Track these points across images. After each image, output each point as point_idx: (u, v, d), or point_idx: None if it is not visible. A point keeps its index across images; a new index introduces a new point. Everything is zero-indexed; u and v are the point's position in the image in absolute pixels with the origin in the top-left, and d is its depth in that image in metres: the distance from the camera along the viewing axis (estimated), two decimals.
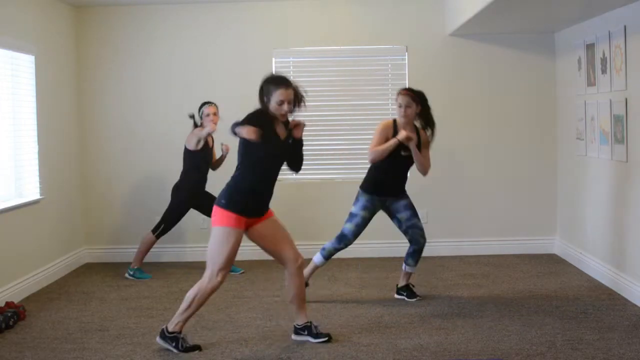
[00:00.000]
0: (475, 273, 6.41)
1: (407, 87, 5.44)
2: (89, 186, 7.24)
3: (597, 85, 5.93)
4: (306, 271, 5.39)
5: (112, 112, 7.23)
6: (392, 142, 5.18)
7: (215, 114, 6.33)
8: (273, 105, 4.32)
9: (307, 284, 5.41)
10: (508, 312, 5.14)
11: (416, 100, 5.28)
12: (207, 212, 6.49)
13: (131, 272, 6.46)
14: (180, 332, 4.41)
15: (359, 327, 4.88)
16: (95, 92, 7.23)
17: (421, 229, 5.41)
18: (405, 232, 5.43)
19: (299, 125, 4.42)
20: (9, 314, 4.99)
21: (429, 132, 5.39)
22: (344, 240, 5.41)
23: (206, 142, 6.35)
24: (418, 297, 5.50)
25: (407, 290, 5.54)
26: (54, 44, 6.69)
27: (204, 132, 6.22)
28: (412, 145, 5.21)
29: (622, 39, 5.38)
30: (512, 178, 7.21)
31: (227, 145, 6.37)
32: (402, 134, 5.15)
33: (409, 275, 5.55)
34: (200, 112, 6.36)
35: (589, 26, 6.10)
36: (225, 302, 5.60)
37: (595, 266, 6.07)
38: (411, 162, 5.33)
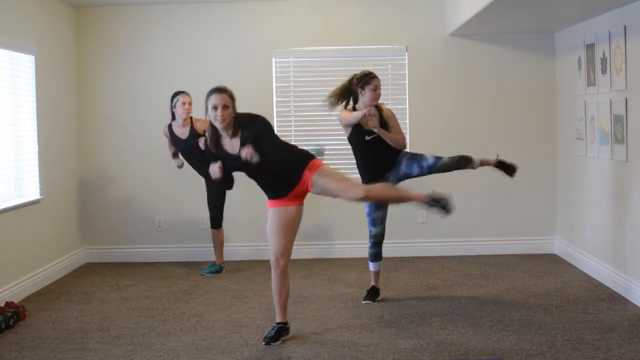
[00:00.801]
0: (475, 273, 6.41)
1: (367, 70, 5.42)
2: (89, 186, 7.24)
3: (597, 85, 5.93)
4: (372, 281, 5.58)
5: (112, 112, 7.24)
6: (357, 115, 5.17)
7: (190, 103, 6.37)
8: (210, 113, 4.32)
9: (376, 290, 5.57)
10: (508, 312, 5.14)
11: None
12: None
13: (212, 269, 6.57)
14: (282, 322, 4.63)
15: (359, 327, 4.88)
16: (95, 92, 7.23)
17: (424, 156, 5.32)
18: (420, 169, 5.31)
19: (250, 156, 4.23)
20: (9, 314, 4.99)
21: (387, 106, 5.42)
22: (371, 238, 5.45)
23: (194, 132, 6.37)
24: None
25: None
26: (54, 44, 6.69)
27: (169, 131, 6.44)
28: (378, 130, 5.19)
29: (622, 39, 5.38)
30: (512, 178, 7.19)
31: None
32: (368, 110, 5.14)
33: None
34: (175, 101, 6.35)
35: (589, 26, 6.11)
36: (225, 302, 5.60)
37: (595, 266, 6.07)
38: (381, 142, 5.29)
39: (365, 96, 5.30)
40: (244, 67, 7.14)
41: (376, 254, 5.48)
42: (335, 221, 7.16)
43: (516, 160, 7.14)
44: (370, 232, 5.44)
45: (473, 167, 5.39)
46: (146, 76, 7.21)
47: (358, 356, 4.30)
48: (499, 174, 7.18)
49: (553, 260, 6.87)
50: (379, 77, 5.41)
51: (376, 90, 5.31)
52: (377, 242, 5.44)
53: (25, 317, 5.22)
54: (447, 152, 7.12)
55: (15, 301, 5.48)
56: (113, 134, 7.24)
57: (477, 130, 7.18)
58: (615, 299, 5.42)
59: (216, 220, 6.53)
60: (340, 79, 7.16)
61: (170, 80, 7.15)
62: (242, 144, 4.29)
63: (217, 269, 6.57)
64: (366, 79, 5.33)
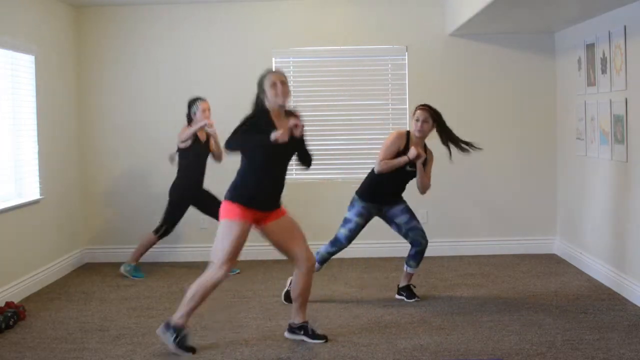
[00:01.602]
0: (475, 273, 6.41)
1: (425, 103, 5.43)
2: (89, 186, 7.24)
3: (597, 85, 5.93)
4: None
5: (112, 112, 7.24)
6: (403, 159, 5.19)
7: (208, 109, 6.34)
8: (268, 92, 4.32)
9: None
10: (508, 312, 5.14)
11: (433, 117, 5.30)
12: (206, 210, 6.50)
13: (127, 268, 6.47)
14: (184, 328, 4.38)
15: (359, 327, 4.88)
16: (95, 92, 7.23)
17: (422, 230, 5.41)
18: (405, 236, 5.43)
19: (296, 126, 4.30)
20: (9, 314, 4.99)
21: (451, 149, 5.40)
22: (337, 245, 5.43)
23: (197, 139, 6.33)
24: (417, 298, 5.50)
25: (407, 290, 5.54)
26: (54, 44, 6.69)
27: (190, 130, 6.22)
28: (420, 164, 5.23)
29: (622, 39, 5.38)
30: (512, 178, 7.21)
31: (211, 122, 6.29)
32: (412, 153, 5.14)
33: (410, 276, 5.55)
34: (195, 108, 6.34)
35: (589, 26, 6.11)
36: (225, 302, 5.60)
37: (595, 266, 6.07)
38: (413, 177, 5.35)
39: (412, 125, 5.33)
40: (244, 67, 7.13)
41: (327, 260, 5.51)
42: (335, 221, 7.15)
43: (516, 160, 7.20)
44: (339, 241, 5.42)
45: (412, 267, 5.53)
46: (146, 76, 7.21)
47: (358, 356, 4.30)
48: (500, 174, 7.20)
49: (553, 260, 6.87)
50: (434, 110, 5.36)
51: (418, 121, 5.28)
52: (339, 250, 5.46)
53: (25, 317, 5.22)
54: (447, 152, 7.14)
55: (15, 301, 5.48)
56: (113, 133, 7.24)
57: (477, 130, 7.16)
58: (615, 299, 5.42)
59: (167, 233, 6.51)
60: (340, 79, 7.24)
61: (170, 80, 7.16)
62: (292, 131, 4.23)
63: (130, 269, 6.54)
64: (416, 109, 5.37)
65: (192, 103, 6.37)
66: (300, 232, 4.52)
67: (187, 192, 6.42)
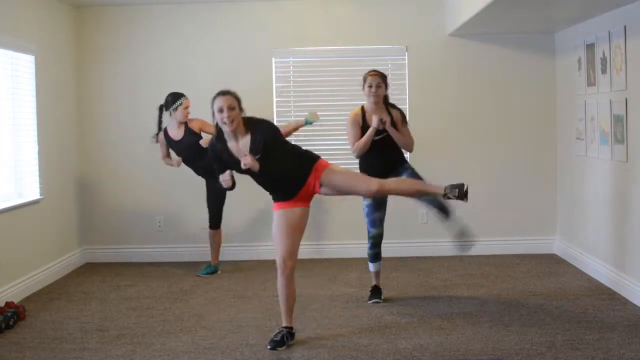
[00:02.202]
0: (475, 273, 6.41)
1: (372, 69, 5.44)
2: (89, 186, 7.24)
3: (597, 85, 5.93)
4: (374, 280, 5.59)
5: (112, 112, 7.23)
6: (369, 132, 5.22)
7: (188, 107, 6.36)
8: (217, 116, 4.30)
9: (379, 289, 5.57)
10: (508, 312, 5.14)
11: (385, 80, 5.34)
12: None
13: (209, 270, 6.54)
14: (289, 327, 4.55)
15: (359, 327, 4.88)
16: (95, 92, 7.23)
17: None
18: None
19: (250, 164, 4.26)
20: (9, 314, 4.99)
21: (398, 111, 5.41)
22: (370, 239, 5.44)
23: (190, 131, 6.34)
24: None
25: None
26: (54, 44, 6.69)
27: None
28: (388, 127, 5.22)
29: (622, 39, 5.38)
30: (512, 178, 7.20)
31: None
32: (374, 121, 5.18)
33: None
34: (178, 104, 6.31)
35: (589, 26, 6.10)
36: (225, 302, 5.60)
37: (595, 266, 6.07)
38: (390, 139, 5.31)
39: (365, 93, 5.33)
40: (244, 67, 7.13)
41: (375, 255, 5.48)
42: (335, 221, 7.16)
43: (516, 160, 7.19)
44: (369, 232, 5.44)
45: (447, 218, 5.54)
46: (146, 76, 7.21)
47: (358, 356, 4.30)
48: (500, 174, 7.20)
49: (553, 260, 6.87)
50: (383, 74, 5.37)
51: (371, 87, 5.29)
52: (376, 242, 5.44)
53: (25, 317, 5.21)
54: (447, 152, 7.14)
55: (15, 301, 5.48)
56: (113, 133, 7.23)
57: (477, 130, 7.18)
58: (615, 299, 5.42)
59: (215, 221, 6.53)
60: (340, 79, 7.24)
61: (170, 80, 7.15)
62: (251, 150, 4.26)
63: (213, 269, 6.56)
64: (365, 76, 5.37)
65: (174, 99, 6.31)
66: (342, 176, 4.52)
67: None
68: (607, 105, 5.70)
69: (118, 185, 7.24)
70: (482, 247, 7.18)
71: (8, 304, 5.21)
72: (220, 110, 4.26)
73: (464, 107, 7.16)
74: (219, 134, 4.40)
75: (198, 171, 6.44)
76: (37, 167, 6.23)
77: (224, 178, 4.34)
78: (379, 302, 5.44)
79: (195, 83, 7.06)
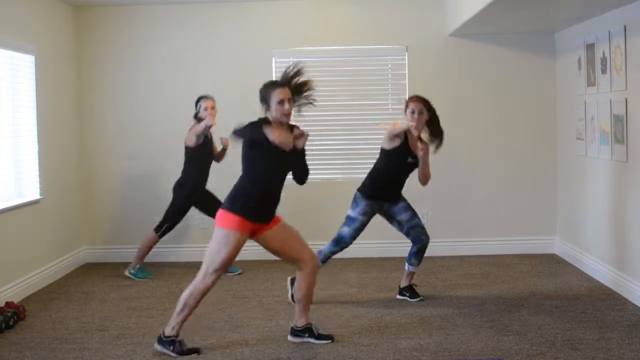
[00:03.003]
0: (475, 273, 6.41)
1: (416, 94, 5.42)
2: (89, 186, 7.24)
3: (597, 85, 5.93)
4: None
5: (112, 112, 7.24)
6: (404, 125, 5.15)
7: (213, 107, 6.30)
8: (274, 107, 4.26)
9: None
10: (508, 312, 5.14)
11: (427, 107, 5.29)
12: (206, 210, 6.48)
13: (132, 272, 6.45)
14: (177, 336, 4.37)
15: (359, 327, 4.88)
16: (95, 92, 7.23)
17: (423, 228, 5.41)
18: (407, 234, 5.43)
19: (302, 136, 4.36)
20: (9, 314, 4.99)
21: (435, 142, 5.35)
22: (340, 244, 5.42)
23: (206, 137, 6.33)
24: (420, 298, 5.49)
25: (410, 290, 5.53)
26: (54, 44, 6.69)
27: (201, 127, 6.17)
28: (423, 153, 5.20)
29: (622, 39, 5.38)
30: (512, 178, 7.21)
31: (227, 138, 6.28)
32: (412, 124, 5.14)
33: (412, 275, 5.54)
34: (198, 107, 6.32)
35: (589, 26, 6.10)
36: (225, 302, 5.60)
37: (595, 266, 6.07)
38: (412, 169, 5.33)
39: (407, 118, 5.31)
40: (244, 67, 7.13)
41: (330, 257, 5.49)
42: (335, 221, 7.15)
43: (516, 160, 7.20)
44: (343, 239, 5.40)
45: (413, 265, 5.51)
46: (146, 76, 7.21)
47: (358, 356, 4.30)
48: (500, 174, 7.20)
49: (553, 260, 6.87)
50: (425, 100, 5.33)
51: (414, 114, 5.25)
52: (342, 249, 5.46)
53: (25, 317, 5.21)
54: (447, 152, 7.14)
55: (15, 301, 5.48)
56: (113, 133, 7.24)
57: (477, 130, 7.18)
58: (615, 299, 5.42)
59: (168, 230, 6.50)
60: (340, 79, 7.24)
61: (170, 80, 7.16)
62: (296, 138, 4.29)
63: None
64: (406, 101, 5.37)
65: (197, 101, 6.36)
66: (298, 235, 4.52)
67: (192, 191, 6.39)
68: (607, 105, 5.70)
69: (118, 185, 7.24)
70: (482, 247, 7.20)
71: (8, 304, 5.21)
72: (282, 102, 4.25)
73: (464, 107, 7.16)
74: (260, 124, 4.25)
75: (204, 178, 6.44)
76: (37, 167, 6.23)
77: (275, 136, 4.14)
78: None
79: (196, 83, 7.05)
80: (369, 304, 5.45)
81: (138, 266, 6.47)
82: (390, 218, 5.45)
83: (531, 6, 5.50)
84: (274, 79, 7.11)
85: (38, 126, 6.26)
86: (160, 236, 6.46)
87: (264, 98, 4.32)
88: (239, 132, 4.22)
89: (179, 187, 6.40)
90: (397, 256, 6.91)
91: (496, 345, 4.43)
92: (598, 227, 6.05)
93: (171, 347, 4.34)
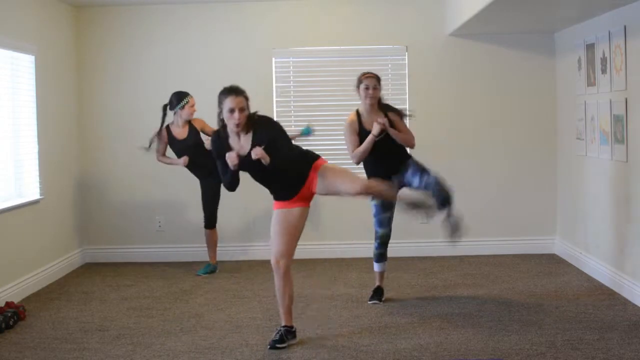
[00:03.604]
0: (475, 273, 6.41)
1: (367, 72, 5.42)
2: (89, 186, 7.24)
3: (597, 85, 5.93)
4: (377, 281, 5.57)
5: (112, 112, 7.24)
6: (369, 139, 5.18)
7: (193, 105, 6.39)
8: (225, 115, 4.28)
9: (381, 290, 5.54)
10: (508, 312, 5.14)
11: (380, 82, 5.34)
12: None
13: (208, 270, 6.57)
14: (288, 326, 4.54)
15: (359, 327, 4.88)
16: (95, 92, 7.23)
17: (438, 183, 5.17)
18: (419, 186, 5.24)
19: (262, 156, 4.24)
20: (9, 314, 4.99)
21: (397, 115, 5.35)
22: (377, 239, 5.43)
23: (194, 131, 6.39)
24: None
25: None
26: (54, 44, 6.69)
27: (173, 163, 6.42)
28: (389, 129, 5.18)
29: (622, 39, 5.38)
30: (512, 178, 7.20)
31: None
32: (375, 128, 5.13)
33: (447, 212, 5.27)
34: (185, 101, 6.33)
35: (589, 26, 6.10)
36: (225, 302, 5.60)
37: (595, 266, 6.07)
38: (389, 138, 5.26)
39: (360, 96, 5.30)
40: (244, 67, 7.13)
41: (381, 255, 5.47)
42: (335, 221, 7.16)
43: (516, 160, 7.19)
44: (376, 232, 5.42)
45: (444, 208, 5.23)
46: (146, 76, 7.21)
47: (358, 356, 4.30)
48: (500, 174, 7.20)
49: (553, 260, 6.87)
50: (378, 76, 5.37)
51: (367, 89, 5.27)
52: (382, 243, 5.43)
53: (25, 317, 5.21)
54: (447, 152, 7.14)
55: (15, 301, 5.48)
56: (113, 133, 7.23)
57: (477, 130, 7.18)
58: (615, 299, 5.42)
59: (210, 221, 6.53)
60: (340, 79, 7.24)
61: (170, 80, 7.15)
62: (254, 145, 4.26)
63: (212, 269, 6.58)
64: (360, 78, 5.35)
65: (179, 97, 6.34)
66: (342, 172, 4.50)
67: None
68: (607, 105, 5.70)
69: (118, 185, 7.24)
70: (482, 247, 7.20)
71: (8, 304, 5.21)
72: (232, 111, 4.24)
73: (463, 107, 7.16)
74: (221, 130, 4.38)
75: (195, 171, 6.45)
76: (37, 167, 6.23)
77: (231, 156, 4.23)
78: (377, 304, 5.43)
79: (196, 83, 7.05)
80: (369, 304, 5.45)
81: (212, 263, 6.64)
82: (403, 186, 5.33)
83: (531, 6, 5.50)
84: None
85: (38, 126, 6.26)
86: (207, 227, 6.55)
87: (219, 103, 4.34)
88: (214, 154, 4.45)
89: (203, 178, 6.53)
90: (397, 256, 6.90)
91: (496, 345, 4.43)
92: (598, 227, 6.05)
93: (287, 336, 4.51)
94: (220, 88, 7.09)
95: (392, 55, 7.20)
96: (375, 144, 5.23)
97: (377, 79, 5.34)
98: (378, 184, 4.60)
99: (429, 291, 5.80)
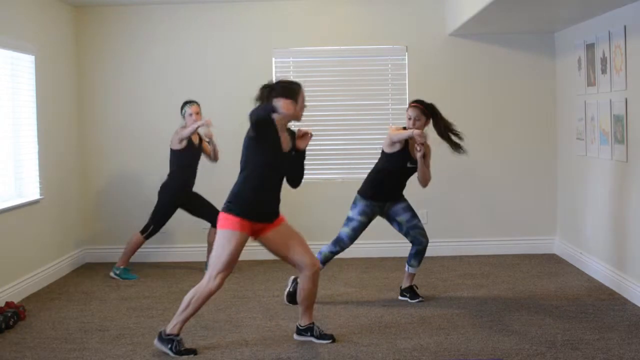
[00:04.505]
0: (475, 273, 6.41)
1: (417, 99, 5.42)
2: (89, 186, 7.24)
3: (597, 85, 5.93)
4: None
5: (112, 112, 7.24)
6: (407, 132, 5.12)
7: (197, 113, 6.33)
8: (300, 105, 4.34)
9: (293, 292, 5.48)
10: (508, 312, 5.14)
11: (425, 113, 5.27)
12: (197, 213, 6.51)
13: (117, 272, 6.46)
14: (177, 335, 4.37)
15: (359, 327, 4.88)
16: (95, 92, 7.23)
17: (422, 229, 5.41)
18: (406, 234, 5.42)
19: (306, 136, 4.40)
20: (9, 314, 4.99)
21: (449, 143, 5.30)
22: (340, 244, 5.40)
23: (191, 141, 6.35)
24: (420, 299, 5.48)
25: (410, 291, 5.53)
26: (54, 44, 6.69)
27: (186, 131, 6.21)
28: (420, 156, 5.19)
29: (622, 39, 5.38)
30: (512, 178, 7.21)
31: (208, 120, 6.21)
32: (417, 132, 5.07)
33: (412, 276, 5.53)
34: (183, 112, 6.35)
35: (589, 26, 6.11)
36: (225, 302, 5.60)
37: (595, 266, 6.07)
38: (412, 173, 5.34)
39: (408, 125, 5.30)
40: (244, 67, 7.13)
41: (330, 259, 5.47)
42: (334, 221, 7.15)
43: (516, 160, 7.20)
44: (342, 241, 5.38)
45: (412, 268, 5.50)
46: (146, 76, 7.21)
47: (358, 356, 4.30)
48: (500, 174, 7.19)
49: (553, 260, 6.87)
50: (426, 105, 5.32)
51: (410, 120, 5.26)
52: (341, 249, 5.43)
53: (25, 317, 5.21)
54: (447, 152, 7.13)
55: (15, 301, 5.48)
56: (113, 133, 7.24)
57: (477, 131, 7.17)
58: (615, 299, 5.42)
59: (154, 233, 6.50)
60: (340, 79, 7.24)
61: (170, 80, 7.16)
62: (294, 142, 4.39)
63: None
64: (407, 108, 5.36)
65: (182, 107, 6.38)
66: (301, 238, 4.49)
67: (178, 194, 6.43)
68: (607, 105, 5.70)
69: (118, 186, 7.24)
70: (482, 247, 7.20)
71: (8, 304, 5.21)
72: (304, 105, 4.38)
73: (463, 107, 7.15)
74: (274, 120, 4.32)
75: (190, 182, 6.46)
76: (37, 167, 6.23)
77: (289, 105, 4.20)
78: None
79: (196, 83, 7.06)
80: (369, 304, 5.45)
81: (122, 267, 6.48)
82: (391, 219, 5.45)
83: (531, 6, 5.50)
84: (273, 79, 7.15)
85: (38, 126, 6.26)
86: (146, 238, 6.47)
87: (291, 94, 4.31)
88: (253, 112, 4.20)
89: (163, 189, 6.45)
90: (397, 256, 6.91)
91: (496, 345, 4.43)
92: (598, 227, 6.05)
93: (169, 346, 4.35)
94: (221, 88, 7.15)
95: (392, 55, 7.20)
96: (404, 170, 5.30)
97: (422, 109, 5.27)
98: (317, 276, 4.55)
99: (429, 291, 5.80)
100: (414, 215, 5.40)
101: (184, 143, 6.29)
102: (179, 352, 4.34)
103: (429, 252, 7.02)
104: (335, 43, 7.19)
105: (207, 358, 4.33)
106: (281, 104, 4.18)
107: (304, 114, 4.50)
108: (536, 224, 7.21)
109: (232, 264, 4.32)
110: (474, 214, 7.25)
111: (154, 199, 7.09)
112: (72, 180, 7.05)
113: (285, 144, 4.35)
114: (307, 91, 7.53)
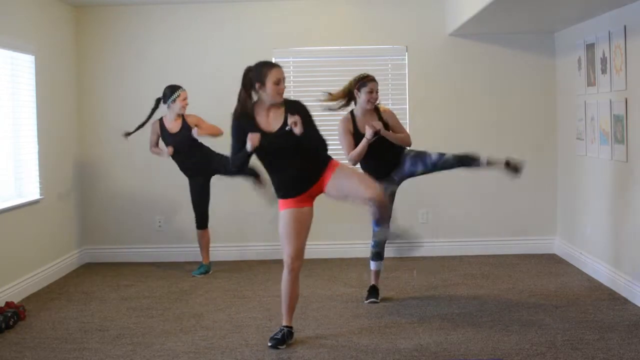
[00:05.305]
0: (475, 273, 6.41)
1: (365, 74, 5.43)
2: (89, 186, 7.24)
3: (597, 85, 5.93)
4: (373, 280, 5.57)
5: (112, 112, 7.23)
6: (364, 143, 5.15)
7: (186, 98, 6.38)
8: (269, 87, 4.34)
9: (377, 289, 5.52)
10: (508, 312, 5.14)
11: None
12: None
13: (202, 270, 6.56)
14: (289, 326, 4.54)
15: (359, 327, 4.88)
16: (95, 92, 7.23)
17: (424, 152, 5.30)
18: (425, 169, 5.32)
19: (296, 124, 4.32)
20: (9, 314, 4.99)
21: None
22: (374, 237, 5.42)
23: (166, 132, 6.43)
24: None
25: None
26: (54, 44, 6.69)
27: (155, 153, 6.54)
28: (383, 133, 5.17)
29: (622, 39, 5.38)
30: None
31: (170, 149, 6.39)
32: (369, 133, 5.11)
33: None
34: (174, 97, 6.34)
35: (589, 26, 6.11)
36: (225, 302, 5.60)
37: (595, 266, 6.07)
38: (385, 140, 5.25)
39: (361, 98, 5.31)
40: (244, 67, 7.08)
41: (377, 254, 5.48)
42: (335, 221, 7.16)
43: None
44: (374, 231, 5.43)
45: (478, 166, 5.30)
46: (146, 76, 7.20)
47: (358, 356, 4.30)
48: (499, 174, 7.19)
49: (553, 260, 6.87)
50: (377, 81, 5.38)
51: (372, 93, 5.29)
52: (379, 241, 5.43)
53: (25, 317, 5.21)
54: (447, 152, 7.12)
55: (15, 301, 5.48)
56: (113, 133, 7.21)
57: (477, 131, 7.18)
58: (615, 299, 5.42)
59: (202, 221, 6.53)
60: (340, 79, 7.20)
61: (170, 80, 7.12)
62: (287, 116, 4.33)
63: (206, 269, 6.57)
64: (363, 81, 5.34)
65: (172, 90, 6.36)
66: (355, 176, 4.50)
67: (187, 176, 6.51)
68: (607, 105, 5.70)
69: (118, 186, 7.24)
70: (482, 247, 7.20)
71: (8, 304, 5.21)
72: (278, 82, 4.34)
73: (463, 107, 7.16)
74: (243, 111, 4.40)
75: (184, 168, 6.46)
76: (37, 167, 6.23)
77: (253, 137, 4.30)
78: (376, 302, 5.44)
79: (196, 83, 7.05)
80: (369, 304, 5.45)
81: (206, 264, 6.64)
82: (411, 175, 5.36)
83: (531, 6, 5.50)
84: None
85: (38, 126, 6.26)
86: (199, 227, 6.55)
87: (259, 76, 4.39)
88: (233, 164, 4.52)
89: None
90: (397, 256, 6.90)
91: (496, 345, 4.43)
92: (598, 227, 6.05)
93: (288, 336, 4.51)
94: (220, 88, 7.14)
95: (392, 55, 7.20)
96: (371, 146, 5.22)
97: (376, 81, 5.37)
98: (386, 200, 4.58)
99: (429, 291, 5.80)
100: (419, 157, 5.29)
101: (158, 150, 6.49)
102: (283, 341, 4.49)
103: (430, 252, 7.04)
104: (335, 43, 7.19)
105: (207, 358, 4.33)
106: (248, 139, 4.31)
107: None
108: (536, 224, 7.21)
109: (296, 244, 4.44)
110: (474, 214, 7.24)
111: (154, 198, 7.12)
112: (72, 180, 7.05)
113: (271, 123, 4.38)
114: (307, 91, 7.59)
